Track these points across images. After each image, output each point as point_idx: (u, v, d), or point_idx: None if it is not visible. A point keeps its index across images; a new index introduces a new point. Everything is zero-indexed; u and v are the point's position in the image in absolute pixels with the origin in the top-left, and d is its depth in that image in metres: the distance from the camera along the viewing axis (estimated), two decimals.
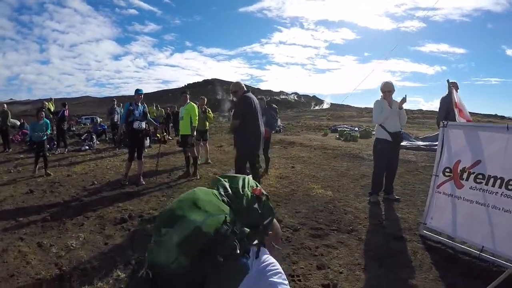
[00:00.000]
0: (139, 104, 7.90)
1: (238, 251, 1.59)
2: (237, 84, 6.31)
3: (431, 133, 14.61)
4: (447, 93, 6.26)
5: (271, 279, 1.68)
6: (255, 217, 1.76)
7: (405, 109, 5.87)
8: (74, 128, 24.23)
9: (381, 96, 5.88)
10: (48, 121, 9.59)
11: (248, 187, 1.90)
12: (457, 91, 5.22)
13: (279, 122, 9.20)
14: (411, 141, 13.14)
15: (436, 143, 4.49)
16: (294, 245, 4.14)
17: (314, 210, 5.36)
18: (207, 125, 10.70)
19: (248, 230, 1.69)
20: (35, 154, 9.35)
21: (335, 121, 26.06)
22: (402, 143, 10.18)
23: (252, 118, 5.95)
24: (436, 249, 3.95)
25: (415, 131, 17.52)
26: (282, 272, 1.81)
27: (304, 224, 4.79)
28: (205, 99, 10.67)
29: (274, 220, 2.04)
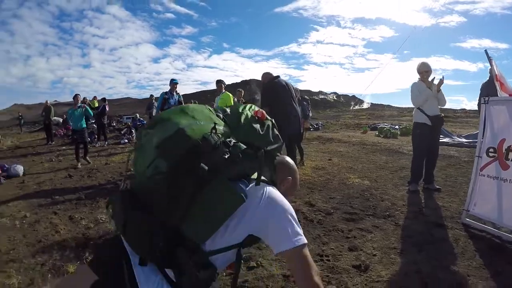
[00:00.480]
0: (174, 93, 8.06)
1: (229, 165, 1.51)
2: (263, 75, 6.44)
3: (474, 131, 13.96)
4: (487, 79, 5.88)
5: (276, 216, 1.58)
6: (254, 137, 1.68)
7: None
8: (114, 123, 24.96)
9: (418, 78, 5.55)
10: (87, 107, 9.68)
11: (249, 110, 1.82)
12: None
13: (310, 114, 9.06)
14: (453, 138, 12.59)
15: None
16: (326, 227, 3.98)
17: (349, 197, 5.16)
18: None
19: (244, 146, 1.57)
20: (76, 143, 9.55)
21: (375, 120, 25.43)
22: (444, 140, 9.72)
23: (279, 102, 6.00)
24: (480, 237, 3.63)
25: (458, 129, 16.76)
26: (293, 212, 1.61)
27: (338, 209, 4.61)
28: (242, 92, 10.65)
29: (295, 170, 1.98)
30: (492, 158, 3.79)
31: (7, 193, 6.22)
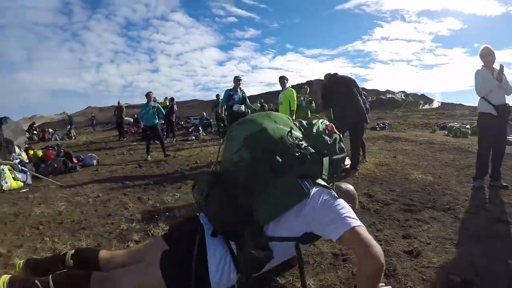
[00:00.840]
0: (238, 90, 8.35)
1: (299, 163, 1.93)
2: (324, 76, 6.78)
3: None
4: None
5: (333, 212, 1.84)
6: (322, 145, 2.09)
7: None
8: (182, 122, 26.11)
9: (482, 64, 5.22)
10: (160, 107, 10.11)
11: (321, 123, 2.26)
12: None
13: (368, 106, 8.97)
14: None
15: None
16: (382, 216, 3.96)
17: (410, 190, 5.03)
18: (309, 114, 10.81)
19: (313, 151, 1.98)
20: (147, 139, 10.12)
21: (445, 119, 24.25)
22: None
23: (335, 97, 6.21)
24: None
25: None
26: (349, 209, 1.90)
27: (397, 200, 4.53)
28: (308, 89, 10.73)
29: (355, 197, 2.38)
30: None
31: (82, 178, 7.04)
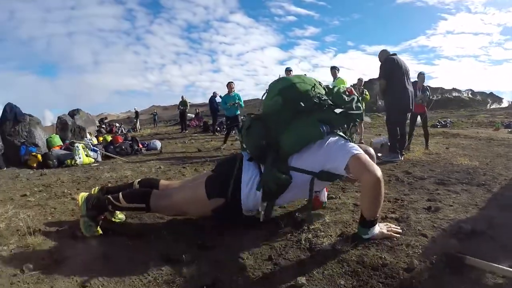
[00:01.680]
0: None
1: (318, 110, 2.53)
2: (380, 52, 6.66)
3: None
4: None
5: (343, 150, 2.39)
6: (340, 101, 2.61)
7: None
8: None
9: None
10: (239, 94, 10.35)
11: (342, 86, 2.81)
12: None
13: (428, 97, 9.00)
14: None
15: None
16: (414, 186, 4.09)
17: (450, 171, 5.00)
18: (363, 105, 10.91)
19: (331, 102, 2.56)
20: (228, 129, 10.72)
21: None
22: None
23: (398, 77, 6.22)
24: None
25: None
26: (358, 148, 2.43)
27: (433, 176, 4.58)
28: (362, 80, 10.81)
29: (373, 156, 2.66)
30: None
31: (146, 158, 8.13)
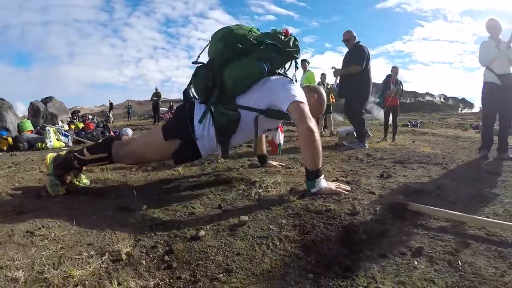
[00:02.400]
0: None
1: (255, 49, 2.66)
2: (350, 32, 6.60)
3: None
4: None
5: (286, 89, 2.58)
6: (277, 41, 2.70)
7: None
8: None
9: (488, 36, 5.26)
10: None
11: (278, 29, 2.87)
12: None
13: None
14: None
15: None
16: (372, 164, 4.06)
17: (411, 155, 5.02)
18: (330, 100, 11.15)
19: (268, 42, 2.67)
20: None
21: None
22: None
23: (368, 67, 6.22)
24: None
25: None
26: (300, 91, 2.66)
27: (393, 158, 4.58)
28: (326, 75, 11.00)
29: (320, 92, 3.00)
30: None
31: None
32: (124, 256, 1.53)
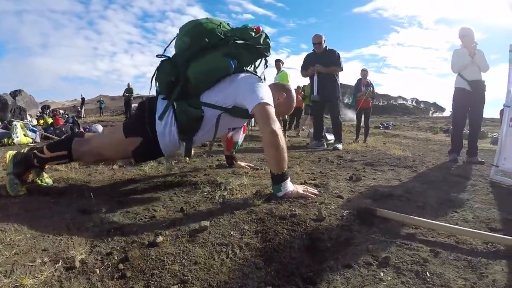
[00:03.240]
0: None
1: (223, 45, 2.54)
2: (321, 36, 6.72)
3: None
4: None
5: (252, 88, 2.48)
6: (247, 37, 2.58)
7: None
8: None
9: (461, 44, 5.36)
10: None
11: (250, 25, 2.75)
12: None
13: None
14: None
15: None
16: (342, 165, 4.00)
17: (381, 158, 4.99)
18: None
19: (237, 38, 2.56)
20: None
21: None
22: None
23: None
24: (504, 188, 3.28)
25: None
26: (267, 92, 2.59)
27: (363, 160, 4.55)
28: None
29: (290, 90, 2.89)
30: None
31: None
32: (78, 264, 1.43)
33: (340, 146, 6.42)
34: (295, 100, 2.94)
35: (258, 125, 2.42)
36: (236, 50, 2.55)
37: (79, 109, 29.11)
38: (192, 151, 2.72)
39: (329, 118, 7.19)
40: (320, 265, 1.48)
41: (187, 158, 3.18)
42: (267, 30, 2.71)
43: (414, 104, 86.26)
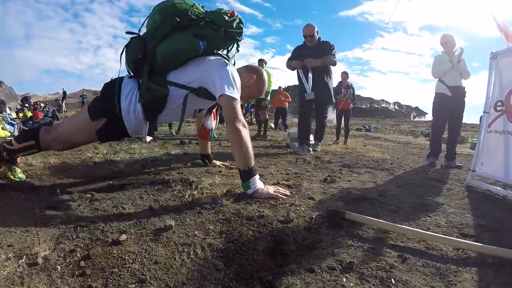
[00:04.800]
0: None
1: (193, 25, 2.51)
2: (313, 26, 5.82)
3: None
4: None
5: (222, 72, 2.44)
6: (220, 20, 2.56)
7: None
8: None
9: (442, 51, 5.39)
10: None
11: (225, 10, 2.68)
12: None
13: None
14: None
15: None
16: (319, 166, 3.95)
17: (359, 160, 4.97)
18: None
19: (209, 20, 2.54)
20: None
21: None
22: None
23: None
24: (479, 192, 3.27)
25: None
26: (236, 80, 2.50)
27: (341, 162, 4.50)
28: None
29: (260, 72, 2.85)
30: (499, 112, 3.54)
31: None
32: (40, 260, 1.41)
33: (319, 147, 6.17)
34: (265, 84, 2.90)
35: (224, 117, 2.42)
36: (206, 31, 2.52)
37: (60, 103, 28.62)
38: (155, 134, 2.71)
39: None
40: (281, 269, 1.42)
41: (154, 143, 3.09)
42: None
43: (397, 107, 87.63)
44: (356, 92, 9.68)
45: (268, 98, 9.01)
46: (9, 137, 6.93)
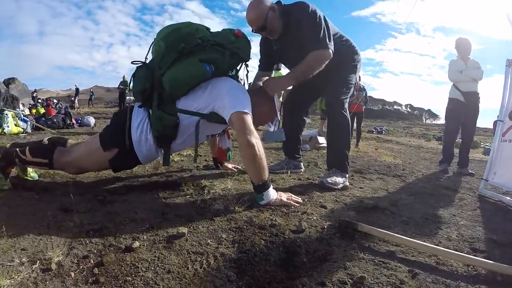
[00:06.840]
0: None
1: (200, 50, 2.44)
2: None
3: None
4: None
5: (231, 93, 2.43)
6: (226, 41, 2.53)
7: None
8: None
9: (457, 55, 5.37)
10: None
11: (230, 30, 2.68)
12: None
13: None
14: None
15: None
16: None
17: (371, 165, 4.97)
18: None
19: (214, 43, 2.49)
20: None
21: None
22: None
23: None
24: (491, 202, 3.27)
25: None
26: (245, 98, 2.46)
27: (353, 167, 4.47)
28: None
29: (275, 104, 2.76)
30: None
31: (78, 131, 8.06)
32: (54, 266, 1.41)
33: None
34: (277, 112, 2.83)
35: (237, 135, 2.34)
36: (212, 55, 2.47)
37: (73, 99, 28.99)
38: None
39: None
40: (293, 281, 1.43)
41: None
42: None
43: (409, 110, 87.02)
44: (368, 94, 9.64)
45: (281, 99, 9.03)
46: (22, 133, 7.10)
